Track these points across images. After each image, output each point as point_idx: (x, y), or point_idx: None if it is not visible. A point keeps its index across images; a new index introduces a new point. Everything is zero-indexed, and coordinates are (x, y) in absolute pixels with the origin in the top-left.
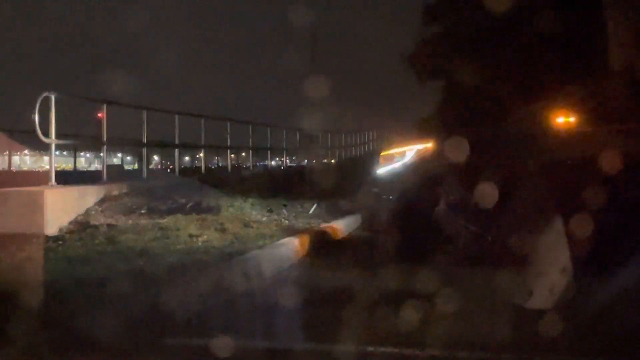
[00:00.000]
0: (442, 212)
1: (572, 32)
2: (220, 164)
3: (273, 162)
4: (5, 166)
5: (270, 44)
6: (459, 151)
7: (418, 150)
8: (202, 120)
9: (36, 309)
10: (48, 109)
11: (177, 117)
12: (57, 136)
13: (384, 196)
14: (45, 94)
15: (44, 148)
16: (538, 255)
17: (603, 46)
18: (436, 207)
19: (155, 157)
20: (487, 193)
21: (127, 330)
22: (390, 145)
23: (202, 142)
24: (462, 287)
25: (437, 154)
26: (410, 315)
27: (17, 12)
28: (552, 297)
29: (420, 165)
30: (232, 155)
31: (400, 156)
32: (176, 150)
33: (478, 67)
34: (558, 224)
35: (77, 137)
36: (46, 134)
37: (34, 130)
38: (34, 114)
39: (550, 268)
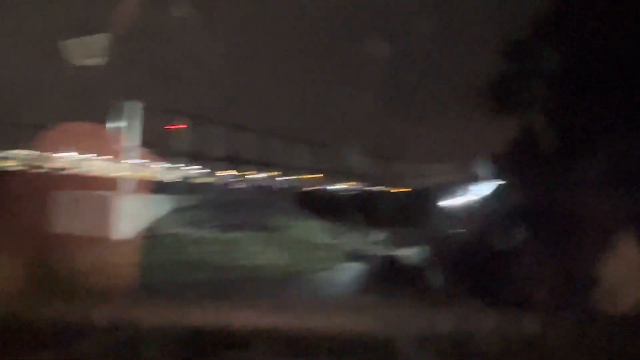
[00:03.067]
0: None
1: None
2: (290, 184)
3: (344, 186)
4: (86, 170)
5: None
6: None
7: (490, 187)
8: (278, 141)
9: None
10: (133, 117)
11: (255, 134)
12: (140, 144)
13: (454, 231)
14: (132, 103)
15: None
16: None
17: None
18: (509, 245)
19: (230, 172)
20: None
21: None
22: (462, 178)
23: (277, 161)
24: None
25: (509, 192)
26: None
27: None
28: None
29: (491, 202)
30: (304, 176)
31: (475, 190)
32: (249, 167)
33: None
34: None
35: (156, 147)
36: (130, 141)
37: (118, 136)
38: (121, 120)
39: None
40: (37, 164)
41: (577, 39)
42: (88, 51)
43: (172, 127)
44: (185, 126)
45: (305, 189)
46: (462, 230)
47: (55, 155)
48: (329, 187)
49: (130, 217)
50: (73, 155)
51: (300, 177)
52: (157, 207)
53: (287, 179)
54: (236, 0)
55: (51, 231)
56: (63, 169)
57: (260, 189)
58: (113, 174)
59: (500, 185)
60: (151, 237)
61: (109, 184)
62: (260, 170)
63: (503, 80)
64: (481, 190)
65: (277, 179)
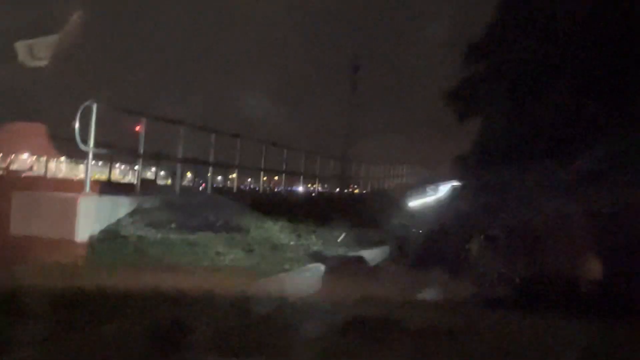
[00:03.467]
0: (471, 251)
1: (621, 77)
2: (252, 186)
3: (305, 188)
4: (42, 172)
5: (311, 71)
6: (492, 191)
7: (452, 187)
8: (239, 141)
9: (55, 314)
10: (88, 118)
11: (213, 135)
12: (95, 145)
13: (414, 229)
14: (87, 103)
15: (80, 156)
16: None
17: None
18: (465, 244)
19: (189, 174)
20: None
21: (144, 343)
22: (423, 179)
23: (237, 163)
24: (481, 329)
25: (470, 192)
26: (424, 353)
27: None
28: (582, 349)
29: (452, 201)
30: (265, 178)
31: (434, 191)
32: (210, 169)
33: (519, 111)
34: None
35: (114, 148)
36: (85, 142)
37: (73, 138)
38: (75, 121)
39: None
40: None
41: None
42: (40, 52)
43: (132, 127)
44: (143, 127)
45: (268, 189)
46: (424, 230)
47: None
48: (292, 188)
49: (90, 219)
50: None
51: (263, 178)
52: (117, 209)
53: (249, 180)
54: None
55: (8, 234)
56: (19, 170)
57: (223, 190)
58: (71, 176)
59: (461, 185)
60: (112, 239)
61: (66, 185)
62: (222, 171)
63: (465, 83)
64: (442, 190)
65: (238, 180)
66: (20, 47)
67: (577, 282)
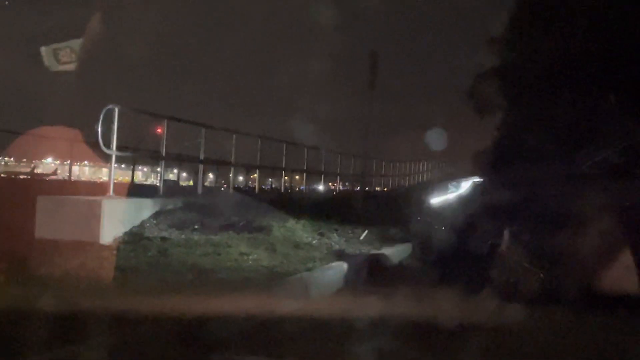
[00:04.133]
0: (494, 247)
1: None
2: (273, 185)
3: (326, 186)
4: (66, 175)
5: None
6: (515, 186)
7: (474, 183)
8: (259, 141)
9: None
10: (111, 122)
11: (234, 136)
12: (118, 148)
13: (437, 226)
14: (109, 107)
15: (104, 159)
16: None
17: None
18: (488, 240)
19: (211, 175)
20: (544, 230)
21: (172, 344)
22: (446, 175)
23: (258, 163)
24: (509, 325)
25: (493, 188)
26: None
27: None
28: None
29: (475, 197)
30: (286, 177)
31: (456, 187)
32: (232, 169)
33: (539, 105)
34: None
35: (137, 150)
36: (107, 145)
37: (96, 141)
38: (97, 125)
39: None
40: (16, 170)
41: (557, 35)
42: (65, 57)
43: (154, 129)
44: (165, 129)
45: (289, 189)
46: (447, 226)
47: (34, 161)
48: (313, 187)
49: (114, 221)
50: (52, 160)
51: (284, 177)
52: (140, 211)
53: (270, 180)
54: None
55: (34, 237)
56: (43, 174)
57: (244, 190)
58: (94, 178)
59: (483, 180)
60: (136, 240)
61: (90, 188)
62: (243, 171)
63: (486, 79)
64: (465, 186)
65: (259, 179)
66: (46, 51)
67: (601, 278)
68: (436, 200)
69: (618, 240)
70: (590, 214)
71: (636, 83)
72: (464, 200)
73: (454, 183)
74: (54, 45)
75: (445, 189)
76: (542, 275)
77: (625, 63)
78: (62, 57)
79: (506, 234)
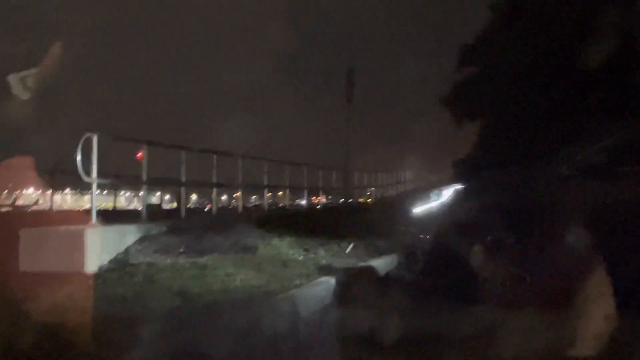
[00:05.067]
0: (479, 253)
1: (615, 73)
2: (257, 203)
3: (309, 201)
4: (47, 205)
5: (306, 84)
6: (496, 192)
7: (455, 190)
8: (240, 160)
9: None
10: (90, 149)
11: (214, 157)
12: (98, 175)
13: (421, 235)
14: (87, 135)
15: (85, 187)
16: (581, 299)
17: None
18: (473, 246)
19: (193, 196)
20: (525, 235)
21: None
22: (428, 184)
23: (240, 181)
24: (500, 331)
25: (474, 194)
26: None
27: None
28: (597, 345)
29: (457, 204)
30: (269, 194)
31: (437, 196)
32: (214, 190)
33: (515, 110)
34: (600, 269)
35: (118, 176)
36: (88, 173)
37: (77, 170)
38: (77, 154)
39: (595, 314)
40: None
41: (529, 40)
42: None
43: (134, 154)
44: (144, 153)
45: (273, 206)
46: (431, 235)
47: (15, 192)
48: (296, 202)
49: (98, 250)
50: (33, 190)
51: (267, 194)
52: (124, 237)
53: (253, 198)
54: None
55: (18, 271)
56: (25, 205)
57: (228, 210)
58: (77, 207)
59: (463, 187)
60: (121, 268)
61: (73, 217)
62: (226, 191)
63: (460, 87)
64: (446, 194)
65: (243, 198)
66: (13, 79)
67: (584, 277)
68: (419, 209)
69: (597, 241)
70: (570, 213)
71: (611, 82)
72: (446, 208)
73: (435, 191)
74: (23, 73)
75: (427, 198)
76: (528, 279)
77: (601, 64)
78: (29, 84)
79: (489, 239)
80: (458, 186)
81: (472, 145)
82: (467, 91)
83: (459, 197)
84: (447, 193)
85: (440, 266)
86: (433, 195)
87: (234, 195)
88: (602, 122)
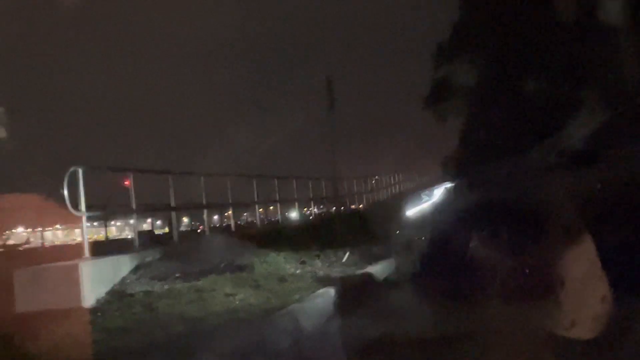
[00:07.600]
0: (475, 249)
1: (588, 67)
2: (249, 220)
3: (301, 212)
4: (39, 242)
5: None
6: (487, 186)
7: (446, 189)
8: (228, 180)
9: None
10: (76, 182)
11: (202, 178)
12: (87, 208)
13: (416, 238)
14: (72, 169)
15: (75, 220)
16: (576, 284)
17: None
18: (469, 243)
19: (185, 219)
20: (520, 226)
21: None
22: (418, 185)
23: (230, 201)
24: (503, 323)
25: (465, 191)
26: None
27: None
28: (595, 327)
29: (449, 203)
30: (261, 210)
31: (429, 196)
32: (205, 211)
33: (498, 104)
34: (592, 252)
35: (107, 207)
36: (76, 207)
37: (64, 205)
38: (63, 188)
39: (591, 297)
40: None
41: (505, 34)
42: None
43: (121, 183)
44: (131, 181)
45: (265, 221)
46: (426, 236)
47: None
48: (288, 215)
49: (94, 283)
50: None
51: (258, 210)
52: (119, 267)
53: (245, 215)
54: None
55: (15, 313)
56: (16, 244)
57: (221, 230)
58: (68, 241)
59: (454, 185)
60: (119, 299)
61: (66, 252)
62: (217, 211)
63: (441, 84)
64: (437, 194)
65: (234, 216)
66: None
67: (579, 261)
68: (411, 211)
69: (589, 225)
70: (561, 201)
71: (591, 68)
72: (439, 208)
73: (426, 192)
74: None
75: (419, 199)
76: (526, 271)
77: (579, 52)
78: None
79: (484, 234)
80: (448, 185)
81: (459, 143)
82: (447, 89)
83: (450, 196)
84: (438, 192)
85: (438, 266)
86: (424, 196)
87: (226, 214)
88: (585, 107)
